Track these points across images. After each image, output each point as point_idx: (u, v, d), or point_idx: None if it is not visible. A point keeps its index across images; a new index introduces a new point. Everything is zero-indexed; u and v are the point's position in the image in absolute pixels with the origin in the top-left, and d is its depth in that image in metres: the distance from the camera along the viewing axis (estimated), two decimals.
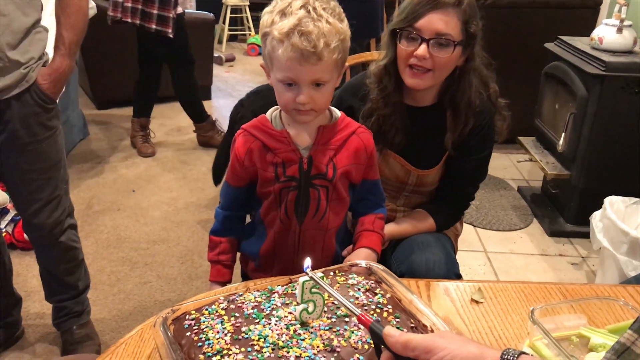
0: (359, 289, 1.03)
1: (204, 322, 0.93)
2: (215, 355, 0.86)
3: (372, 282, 1.06)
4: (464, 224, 2.99)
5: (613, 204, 2.41)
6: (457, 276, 1.52)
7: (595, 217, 2.44)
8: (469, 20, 1.46)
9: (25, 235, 2.54)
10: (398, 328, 0.93)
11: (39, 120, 1.74)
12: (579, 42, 2.97)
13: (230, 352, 0.86)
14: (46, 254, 1.98)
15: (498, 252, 2.84)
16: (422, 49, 1.42)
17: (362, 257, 1.35)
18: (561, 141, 2.84)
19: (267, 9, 1.22)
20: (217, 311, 0.96)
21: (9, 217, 2.66)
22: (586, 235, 2.56)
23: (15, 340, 2.10)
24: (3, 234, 2.54)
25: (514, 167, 3.75)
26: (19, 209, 1.89)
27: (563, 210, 3.08)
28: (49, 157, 1.81)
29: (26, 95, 1.69)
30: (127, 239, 2.79)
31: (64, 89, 1.84)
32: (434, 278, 1.28)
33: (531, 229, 3.06)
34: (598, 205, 2.46)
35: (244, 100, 2.59)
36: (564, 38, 3.07)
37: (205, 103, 4.73)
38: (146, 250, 2.71)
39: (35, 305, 2.28)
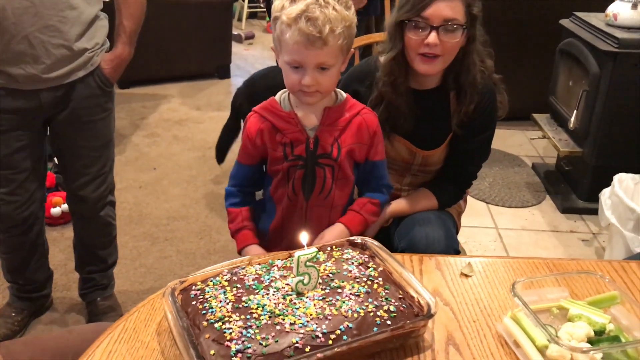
0: (352, 263, 1.11)
1: (208, 292, 1.02)
2: (217, 322, 0.94)
3: (366, 256, 1.14)
4: (476, 200, 3.06)
5: (622, 181, 2.44)
6: (456, 252, 1.59)
7: (604, 194, 2.47)
8: (471, 2, 1.50)
9: (51, 211, 2.68)
10: (387, 299, 1.02)
11: (98, 102, 1.89)
12: (594, 18, 2.96)
13: (231, 319, 0.95)
14: (85, 226, 2.11)
15: (509, 228, 2.89)
16: (433, 37, 1.45)
17: (334, 232, 1.43)
18: (573, 118, 2.86)
19: None
20: (220, 282, 1.04)
21: None
22: (598, 212, 2.59)
23: (45, 310, 2.24)
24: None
25: (529, 143, 3.76)
26: (68, 181, 2.04)
27: (576, 187, 3.10)
28: (102, 136, 1.96)
29: (89, 78, 1.84)
30: (148, 215, 2.90)
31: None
32: (433, 254, 1.35)
33: (543, 206, 3.09)
34: (610, 182, 2.49)
35: (241, 88, 2.81)
36: (579, 14, 3.06)
37: (224, 82, 4.85)
38: (166, 226, 2.82)
39: (62, 278, 2.40)
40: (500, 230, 2.87)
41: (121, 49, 1.89)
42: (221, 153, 2.95)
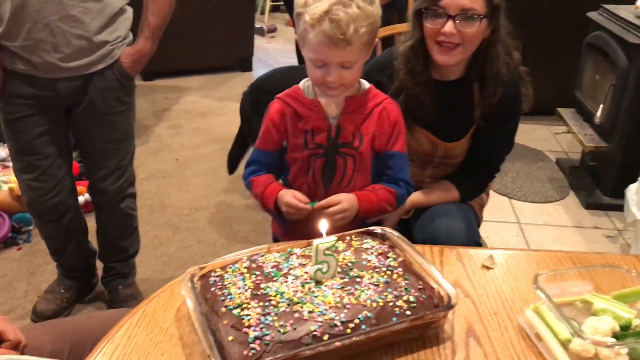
0: (372, 253, 1.10)
1: (227, 278, 1.02)
2: (235, 308, 0.95)
3: (386, 246, 1.13)
4: (499, 195, 3.02)
5: None
6: (477, 245, 1.57)
7: (631, 190, 2.42)
8: None
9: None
10: (406, 289, 1.01)
11: (116, 95, 1.89)
12: (623, 10, 2.89)
13: (249, 306, 0.95)
14: (105, 217, 2.14)
15: (532, 223, 2.85)
16: (449, 26, 1.44)
17: (343, 195, 1.36)
18: (599, 113, 2.81)
19: None
20: (239, 269, 1.05)
21: None
22: (623, 208, 2.54)
23: (91, 289, 2.29)
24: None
25: (553, 138, 3.70)
26: (88, 173, 2.07)
27: (600, 182, 3.05)
28: (121, 129, 1.97)
29: (108, 71, 1.85)
30: (170, 205, 2.93)
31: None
32: (454, 246, 1.33)
33: (567, 201, 3.04)
34: (636, 178, 2.44)
35: (246, 93, 2.79)
36: (608, 7, 2.99)
37: (246, 74, 4.85)
38: (188, 216, 2.84)
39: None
40: (522, 225, 2.83)
41: (142, 43, 1.88)
42: (233, 162, 2.91)
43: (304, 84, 1.41)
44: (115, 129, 1.95)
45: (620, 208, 2.81)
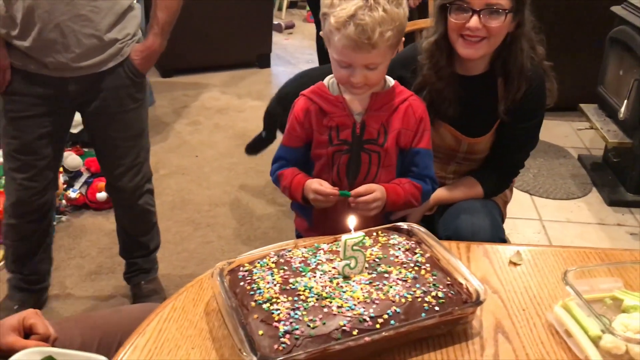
0: (399, 248, 1.10)
1: (255, 273, 1.03)
2: (265, 302, 0.95)
3: (413, 242, 1.13)
4: (520, 192, 3.00)
5: None
6: (502, 241, 1.56)
7: None
8: None
9: (97, 195, 2.74)
10: (435, 285, 1.00)
11: (128, 92, 1.89)
12: None
13: (278, 300, 0.95)
14: (124, 214, 2.15)
15: (554, 220, 2.82)
16: (474, 21, 1.43)
17: (373, 185, 1.36)
18: (623, 108, 2.77)
19: None
20: (267, 264, 1.05)
21: (82, 179, 2.86)
22: None
23: (43, 303, 2.19)
24: (77, 195, 2.74)
25: (575, 134, 3.66)
26: (105, 172, 2.07)
27: (624, 179, 3.01)
28: (134, 126, 1.96)
29: (119, 69, 1.85)
30: (190, 202, 2.94)
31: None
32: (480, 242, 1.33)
33: (590, 198, 3.01)
34: None
35: (273, 102, 2.67)
36: (633, 1, 2.95)
37: (264, 71, 4.86)
38: (208, 212, 2.85)
39: (107, 261, 2.46)
40: (544, 222, 2.81)
41: (152, 40, 1.87)
42: (252, 150, 2.89)
43: (328, 80, 1.42)
44: (129, 126, 1.94)
45: None
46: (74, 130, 3.17)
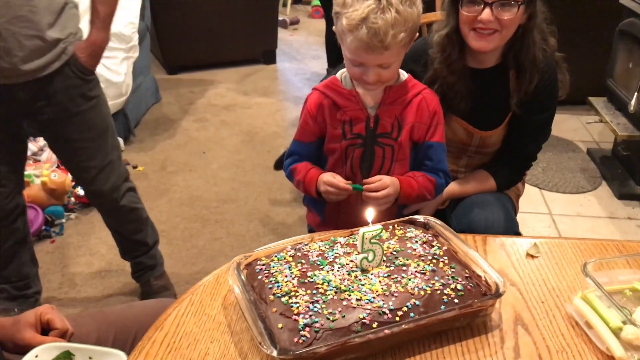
0: (416, 241, 1.09)
1: (273, 267, 1.02)
2: (284, 296, 0.95)
3: (430, 235, 1.12)
4: (530, 186, 2.99)
5: None
6: (516, 235, 1.55)
7: None
8: None
9: None
10: (453, 277, 1.00)
11: (81, 92, 1.82)
12: None
13: (297, 294, 0.95)
14: (111, 217, 2.10)
15: (564, 214, 2.81)
16: (487, 13, 1.42)
17: (387, 181, 1.36)
18: (633, 101, 2.75)
19: None
20: (285, 258, 1.05)
21: None
22: None
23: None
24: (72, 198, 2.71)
25: (583, 128, 3.65)
26: (77, 179, 2.01)
27: (634, 172, 2.99)
28: (96, 125, 1.89)
29: (66, 69, 1.77)
30: (198, 198, 2.94)
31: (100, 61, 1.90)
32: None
33: (599, 192, 3.00)
34: None
35: None
36: None
37: (270, 67, 4.86)
38: (216, 209, 2.85)
39: (117, 259, 2.45)
40: (554, 216, 2.80)
41: (95, 35, 1.80)
42: (281, 165, 2.95)
43: (341, 74, 1.41)
44: (89, 126, 1.86)
45: None
46: None
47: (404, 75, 1.41)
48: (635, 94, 2.75)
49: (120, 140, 3.14)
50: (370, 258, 1.01)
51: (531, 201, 2.89)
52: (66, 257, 2.47)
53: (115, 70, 3.20)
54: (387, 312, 0.92)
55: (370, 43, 1.21)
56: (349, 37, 1.24)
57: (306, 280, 0.98)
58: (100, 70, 3.07)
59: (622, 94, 3.00)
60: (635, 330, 0.92)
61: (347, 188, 1.33)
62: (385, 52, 1.24)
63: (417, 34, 1.33)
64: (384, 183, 1.34)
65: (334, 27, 1.33)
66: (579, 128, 3.65)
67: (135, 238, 2.15)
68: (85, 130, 1.87)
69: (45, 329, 1.14)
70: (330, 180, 1.34)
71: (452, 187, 1.64)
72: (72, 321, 1.17)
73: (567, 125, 3.65)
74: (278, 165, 2.95)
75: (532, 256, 1.17)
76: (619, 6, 3.03)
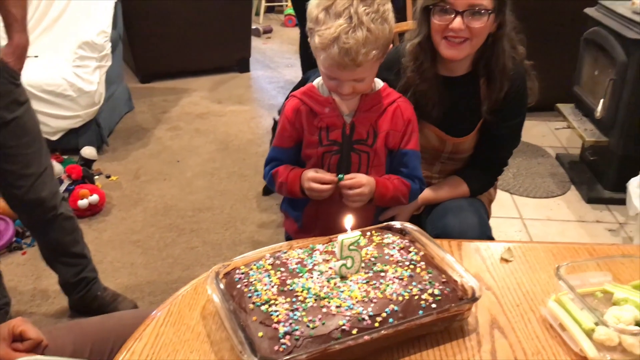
0: (394, 247, 1.11)
1: (252, 275, 1.02)
2: (263, 304, 0.95)
3: (407, 241, 1.14)
4: (500, 191, 3.04)
5: None
6: (490, 239, 1.58)
7: (632, 183, 2.44)
8: None
9: (78, 203, 2.70)
10: (431, 283, 1.01)
11: (13, 97, 1.79)
12: (620, 6, 2.91)
13: (277, 302, 0.95)
14: (50, 229, 1.98)
15: (534, 218, 2.87)
16: (458, 22, 1.45)
17: (364, 179, 1.37)
18: (599, 107, 2.83)
19: (313, 0, 1.29)
20: (264, 266, 1.05)
21: (63, 186, 2.82)
22: (624, 201, 2.56)
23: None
24: None
25: (552, 134, 3.73)
26: (13, 189, 1.88)
27: (601, 177, 3.07)
28: (31, 129, 1.86)
29: None
30: (173, 207, 2.92)
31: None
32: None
33: (569, 196, 3.06)
34: (637, 172, 2.45)
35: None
36: (604, 3, 3.02)
37: (244, 75, 4.86)
38: (192, 218, 2.84)
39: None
40: (525, 220, 2.85)
41: (18, 37, 1.78)
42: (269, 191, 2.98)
43: (318, 82, 1.43)
44: (25, 131, 1.83)
45: (621, 202, 2.83)
46: (54, 137, 3.16)
47: (379, 83, 1.43)
48: (601, 100, 2.83)
49: (93, 149, 3.11)
50: (349, 265, 1.02)
51: (503, 206, 2.94)
52: (38, 268, 2.42)
53: (88, 80, 3.17)
54: (367, 318, 0.93)
55: (342, 62, 1.24)
56: (322, 54, 1.27)
57: (286, 288, 0.98)
58: (73, 79, 3.11)
59: (588, 100, 3.08)
60: (607, 331, 0.95)
61: (333, 179, 1.35)
62: (358, 68, 1.27)
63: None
64: (359, 181, 1.35)
65: (309, 40, 1.34)
66: (547, 134, 3.73)
67: (75, 251, 2.06)
68: (21, 136, 1.82)
69: (19, 341, 1.12)
70: (314, 175, 1.35)
71: (426, 193, 1.66)
72: (46, 334, 1.16)
73: (536, 131, 3.73)
74: (266, 191, 2.97)
75: (506, 260, 1.20)
76: (584, 16, 3.11)
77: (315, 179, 1.36)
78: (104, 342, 1.21)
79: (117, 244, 2.62)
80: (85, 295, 2.13)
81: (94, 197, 2.75)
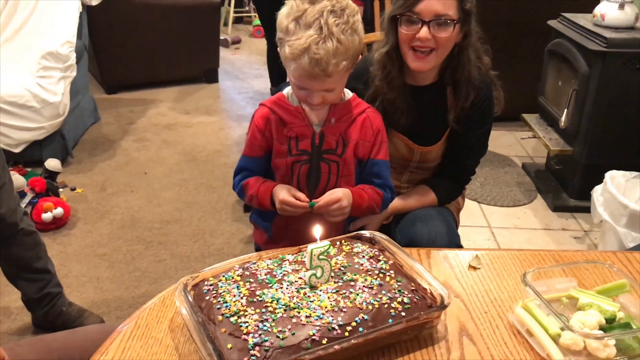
0: (363, 256, 1.11)
1: (221, 287, 1.01)
2: (232, 315, 0.94)
3: (376, 250, 1.14)
4: (469, 200, 3.07)
5: (614, 178, 2.47)
6: (458, 247, 1.59)
7: (597, 191, 2.50)
8: None
9: (42, 216, 2.64)
10: (400, 291, 1.02)
11: None
12: (582, 19, 3.00)
13: (246, 313, 0.94)
14: (11, 245, 1.90)
15: (502, 227, 2.91)
16: (424, 32, 1.47)
17: (339, 193, 1.37)
18: (563, 117, 2.89)
19: (283, 11, 1.29)
20: (233, 277, 1.04)
21: (26, 199, 2.75)
22: (589, 209, 2.62)
23: None
24: None
25: (518, 144, 3.80)
26: None
27: (566, 185, 3.13)
28: None
29: None
30: (141, 220, 2.88)
31: None
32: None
33: (535, 205, 3.12)
34: (600, 180, 2.51)
35: None
36: (567, 15, 3.09)
37: (212, 86, 4.84)
38: (159, 230, 2.79)
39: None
40: (493, 229, 2.89)
41: None
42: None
43: (288, 91, 1.42)
44: None
45: (586, 210, 2.90)
46: (16, 149, 3.08)
47: (348, 94, 1.44)
48: (565, 110, 2.90)
49: (58, 161, 3.05)
50: (318, 274, 1.01)
51: (471, 214, 2.97)
52: (0, 285, 2.36)
53: (52, 90, 3.11)
54: (337, 327, 0.92)
55: (312, 72, 1.24)
56: (292, 64, 1.27)
57: (255, 299, 0.98)
58: (36, 90, 3.05)
59: (553, 110, 3.14)
60: (572, 335, 0.96)
61: (303, 206, 1.34)
62: (328, 79, 1.27)
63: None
64: (335, 197, 1.35)
65: (279, 50, 1.34)
66: (514, 143, 3.80)
67: (37, 266, 1.98)
68: None
69: None
70: (285, 199, 1.34)
71: (395, 203, 1.67)
72: (9, 351, 1.12)
73: (502, 141, 3.80)
74: (247, 208, 2.94)
75: (474, 268, 1.21)
76: (547, 28, 3.19)
77: (288, 203, 1.34)
78: (70, 357, 1.18)
79: (82, 258, 2.56)
80: (49, 311, 2.06)
81: (59, 210, 2.69)
